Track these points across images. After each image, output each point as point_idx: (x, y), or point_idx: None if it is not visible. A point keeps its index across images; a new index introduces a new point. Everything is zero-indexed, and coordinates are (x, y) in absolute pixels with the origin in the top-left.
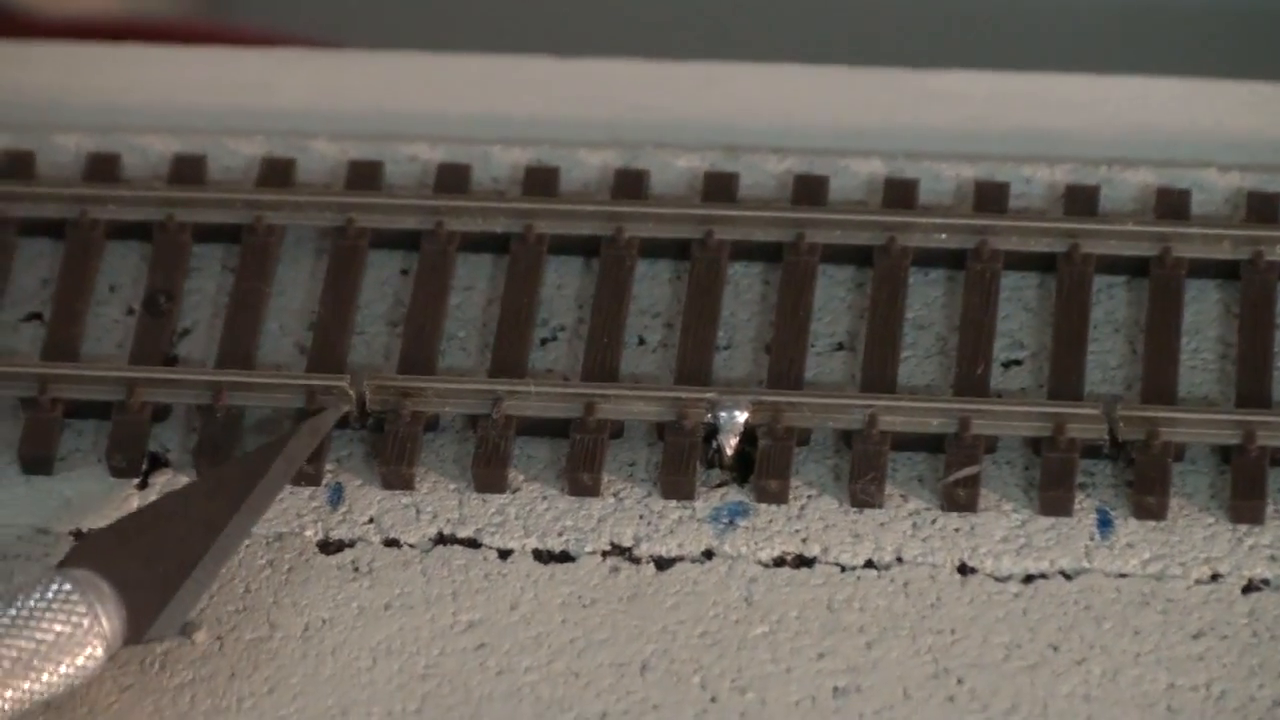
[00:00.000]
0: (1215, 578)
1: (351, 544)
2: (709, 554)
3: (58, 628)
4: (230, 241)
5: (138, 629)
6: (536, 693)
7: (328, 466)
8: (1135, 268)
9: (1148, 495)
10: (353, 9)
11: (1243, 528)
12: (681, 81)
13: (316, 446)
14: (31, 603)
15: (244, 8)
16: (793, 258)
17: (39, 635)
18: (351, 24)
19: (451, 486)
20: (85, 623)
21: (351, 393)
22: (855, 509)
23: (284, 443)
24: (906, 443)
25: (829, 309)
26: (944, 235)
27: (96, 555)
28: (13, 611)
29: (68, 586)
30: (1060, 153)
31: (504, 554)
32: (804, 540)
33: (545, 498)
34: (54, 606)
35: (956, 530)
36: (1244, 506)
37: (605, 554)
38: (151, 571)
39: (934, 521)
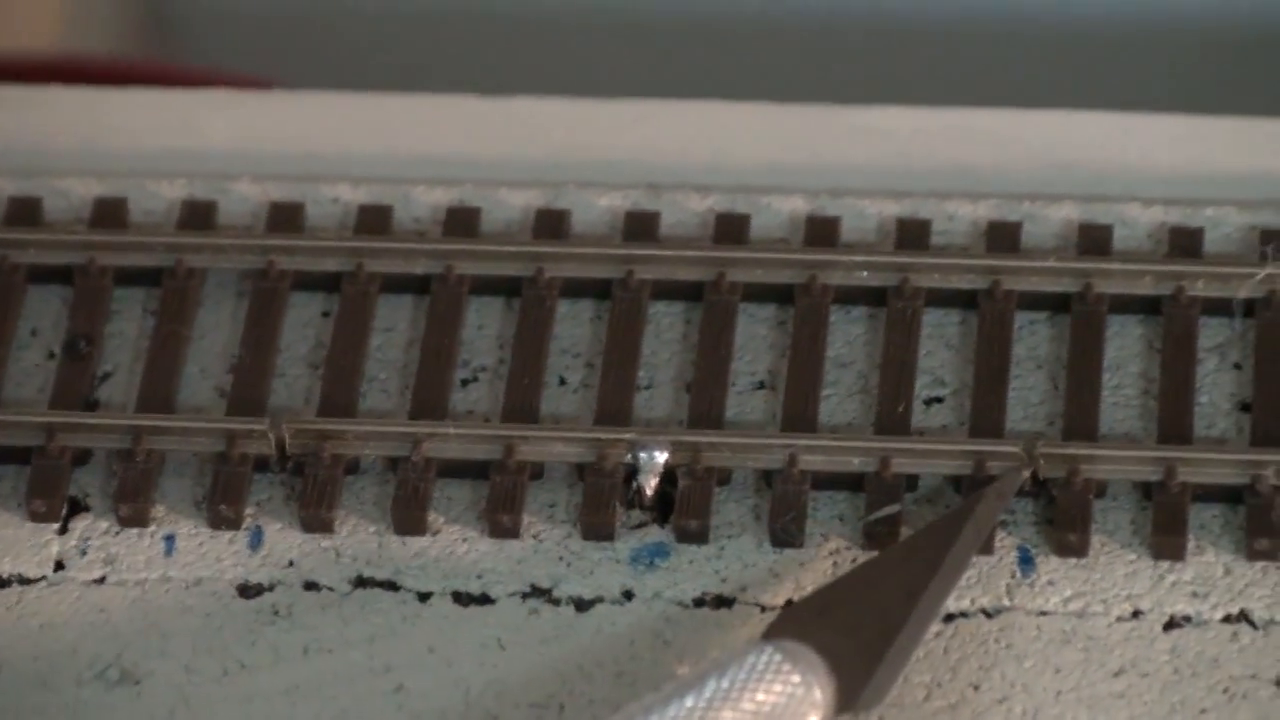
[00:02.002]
0: (1136, 615)
1: (271, 588)
2: (629, 594)
3: (771, 698)
4: (151, 285)
5: (848, 698)
6: None
7: (247, 510)
8: (1057, 304)
9: (1069, 533)
10: (288, 49)
11: (1164, 564)
12: (604, 119)
13: (1003, 510)
14: (743, 674)
15: (181, 48)
16: (714, 296)
17: (751, 706)
18: (287, 63)
19: (371, 529)
20: (799, 693)
21: (271, 436)
22: (775, 548)
23: (972, 507)
24: (827, 482)
25: (750, 348)
26: (865, 273)
27: (799, 625)
28: (724, 683)
29: (779, 657)
30: (983, 189)
31: (423, 596)
32: (723, 580)
33: (465, 539)
34: (767, 677)
35: None
36: (1165, 543)
37: (525, 596)
38: (855, 640)
39: (854, 560)
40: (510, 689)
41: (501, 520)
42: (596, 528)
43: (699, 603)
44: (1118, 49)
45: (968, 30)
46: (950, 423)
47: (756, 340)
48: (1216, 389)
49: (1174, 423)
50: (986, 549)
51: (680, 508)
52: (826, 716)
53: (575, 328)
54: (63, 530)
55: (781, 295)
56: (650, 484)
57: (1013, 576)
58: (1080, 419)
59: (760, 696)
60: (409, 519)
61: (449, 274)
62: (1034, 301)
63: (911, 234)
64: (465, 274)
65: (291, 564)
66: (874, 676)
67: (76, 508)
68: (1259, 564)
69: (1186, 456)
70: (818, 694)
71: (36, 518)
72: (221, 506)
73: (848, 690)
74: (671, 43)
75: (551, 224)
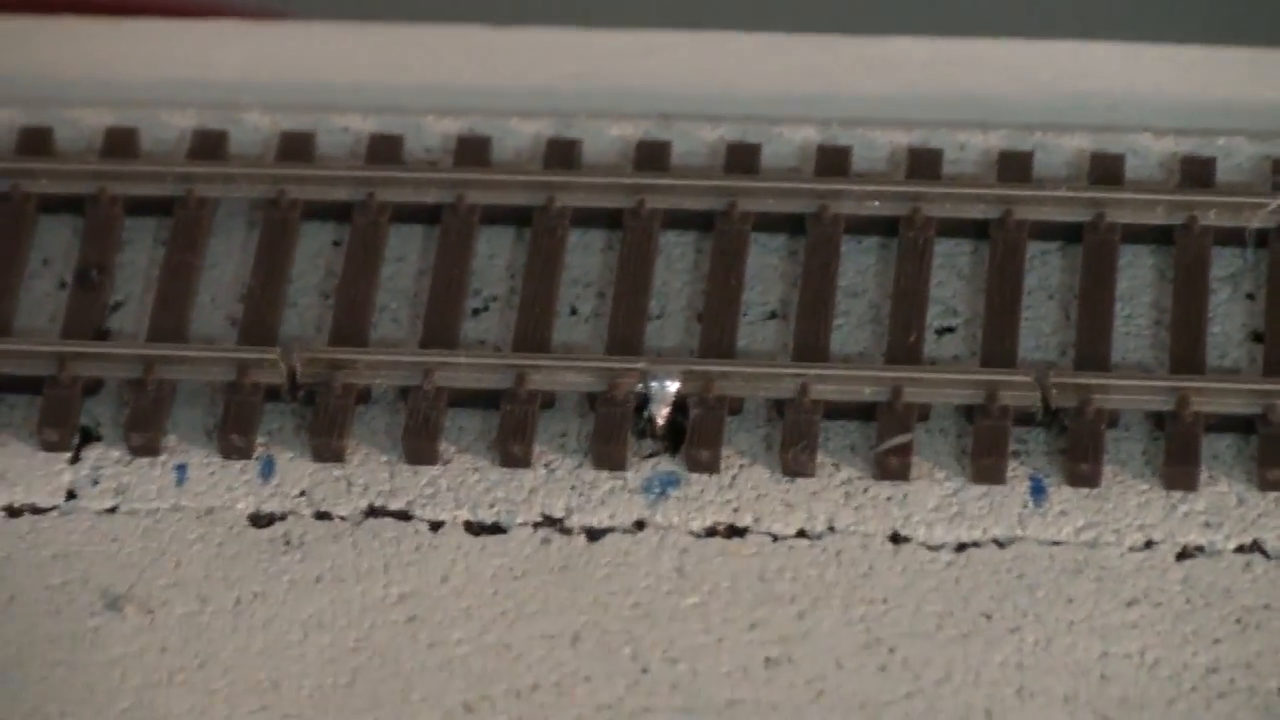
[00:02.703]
0: (1149, 545)
1: (283, 517)
2: (641, 524)
3: None
4: (163, 214)
5: None
6: (468, 665)
7: (259, 440)
8: (1069, 233)
9: (1081, 462)
10: None
11: (1176, 494)
12: (616, 49)
13: None
14: None
15: None
16: (725, 226)
17: None
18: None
19: (383, 459)
20: None
21: (282, 365)
22: (787, 478)
23: None
24: (839, 411)
25: (761, 277)
26: (877, 203)
27: None
28: None
29: None
30: (995, 118)
31: (435, 526)
32: (736, 510)
33: (476, 469)
34: None
35: (889, 499)
36: (1177, 473)
37: (536, 525)
38: None
39: (866, 490)
40: (523, 619)
41: (513, 450)
42: (608, 457)
43: (711, 532)
44: None
45: None
46: (962, 352)
47: (768, 270)
48: (1229, 319)
49: (1186, 352)
50: (998, 479)
51: (692, 437)
52: None
53: (586, 257)
54: (74, 460)
55: (793, 225)
56: (662, 413)
57: (1025, 506)
58: (1092, 349)
59: None
60: (420, 448)
61: (460, 203)
62: (1046, 231)
63: (923, 163)
64: (476, 203)
65: (303, 494)
66: None
67: (88, 437)
68: (1272, 494)
69: (1199, 386)
70: None
71: (48, 447)
72: (233, 436)
73: None
74: None
75: (562, 153)
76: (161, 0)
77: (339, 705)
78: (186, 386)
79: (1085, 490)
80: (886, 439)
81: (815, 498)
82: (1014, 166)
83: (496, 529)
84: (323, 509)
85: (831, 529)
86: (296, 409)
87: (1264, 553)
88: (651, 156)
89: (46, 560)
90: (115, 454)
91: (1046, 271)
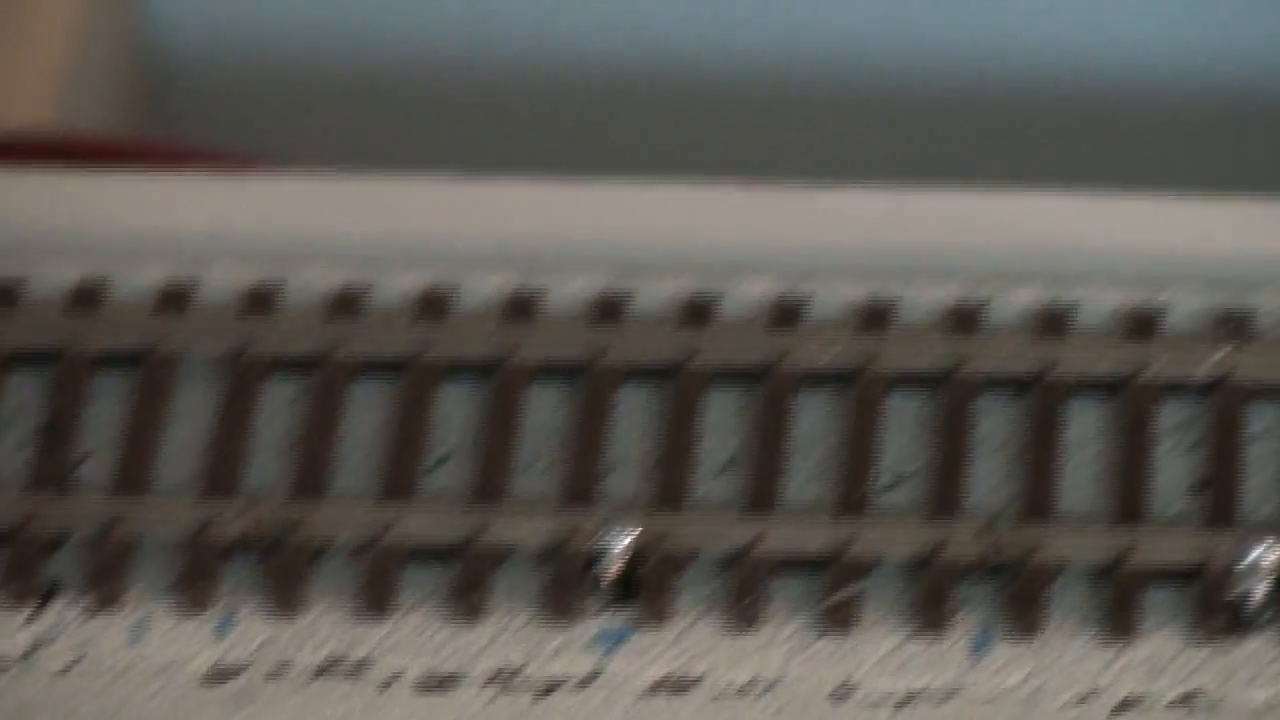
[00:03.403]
0: (1088, 696)
1: (238, 673)
2: (592, 677)
3: None
4: (129, 367)
5: None
6: None
7: (219, 593)
8: (1018, 384)
9: (1024, 613)
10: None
11: (1117, 645)
12: (576, 202)
13: None
14: None
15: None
16: (682, 378)
17: None
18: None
19: (340, 612)
20: None
21: (243, 519)
22: (737, 631)
23: None
24: (789, 563)
25: (717, 429)
26: (831, 355)
27: None
28: None
29: None
30: (949, 270)
31: (389, 679)
32: (686, 662)
33: (432, 622)
34: None
35: (836, 652)
36: (1119, 623)
37: (488, 680)
38: None
39: (814, 643)
40: None
41: (468, 603)
42: (561, 610)
43: (661, 685)
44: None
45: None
46: (910, 504)
47: (723, 421)
48: (1173, 469)
49: (1130, 503)
50: (943, 630)
51: (645, 590)
52: None
53: (544, 410)
54: (36, 614)
55: (749, 376)
56: (615, 566)
57: (967, 657)
58: (1038, 499)
59: None
60: (377, 601)
61: (421, 357)
62: (995, 382)
63: (877, 315)
64: (437, 356)
65: (260, 647)
66: None
67: (52, 591)
68: (1211, 644)
69: (1141, 537)
70: None
71: (10, 603)
72: (193, 589)
73: None
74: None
75: (523, 306)
76: (137, 145)
77: None
78: (149, 540)
79: (1028, 641)
80: (835, 591)
81: (764, 650)
82: (966, 318)
83: (450, 682)
84: (279, 664)
85: (780, 681)
86: (257, 562)
87: (1202, 702)
88: (611, 309)
89: (9, 715)
90: (76, 608)
91: (996, 422)
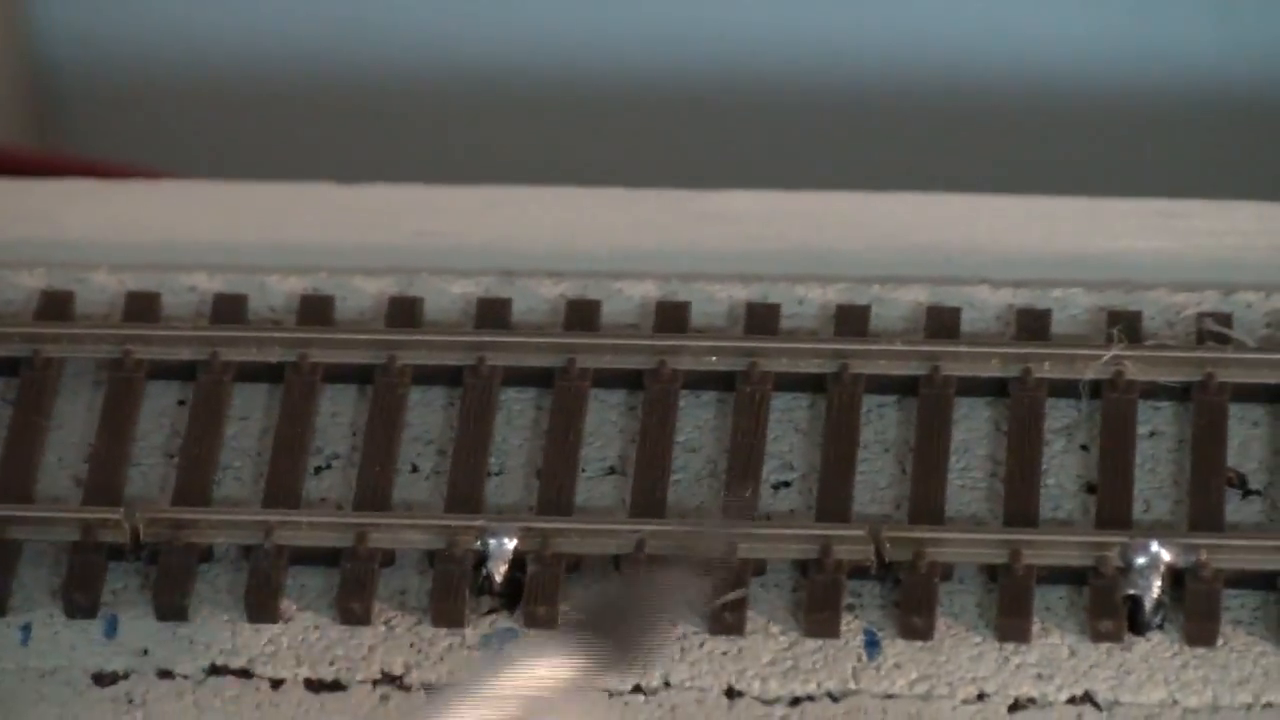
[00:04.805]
0: (981, 697)
1: (125, 676)
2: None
3: None
4: (9, 374)
5: None
6: None
7: (103, 598)
8: (905, 386)
9: (915, 615)
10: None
11: (1009, 646)
12: (458, 206)
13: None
14: None
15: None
16: (564, 382)
17: None
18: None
19: (225, 617)
20: None
21: (126, 525)
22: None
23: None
24: (674, 565)
25: (600, 434)
26: (714, 358)
27: None
28: None
29: None
30: (833, 272)
31: (276, 684)
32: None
33: (317, 626)
34: None
35: (724, 654)
36: (1010, 625)
37: (376, 682)
38: None
39: (702, 645)
40: None
41: (353, 607)
42: (447, 614)
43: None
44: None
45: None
46: (798, 506)
47: (606, 426)
48: (1063, 471)
49: (1020, 505)
50: (832, 632)
51: (529, 594)
52: None
53: (428, 415)
54: None
55: (631, 381)
56: (500, 570)
57: (859, 660)
58: (927, 502)
59: None
60: (262, 606)
61: (303, 362)
62: (882, 385)
63: (760, 318)
64: (319, 362)
65: (146, 652)
66: None
67: None
68: (1103, 645)
69: (1032, 539)
70: None
71: None
72: (77, 595)
73: None
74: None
75: (404, 311)
76: (19, 155)
77: None
78: (32, 546)
79: (919, 643)
80: (721, 594)
81: (651, 651)
82: (851, 320)
83: (337, 686)
84: (165, 667)
85: (667, 684)
86: (140, 568)
87: (1095, 704)
88: (492, 314)
89: None
90: None
91: (883, 425)
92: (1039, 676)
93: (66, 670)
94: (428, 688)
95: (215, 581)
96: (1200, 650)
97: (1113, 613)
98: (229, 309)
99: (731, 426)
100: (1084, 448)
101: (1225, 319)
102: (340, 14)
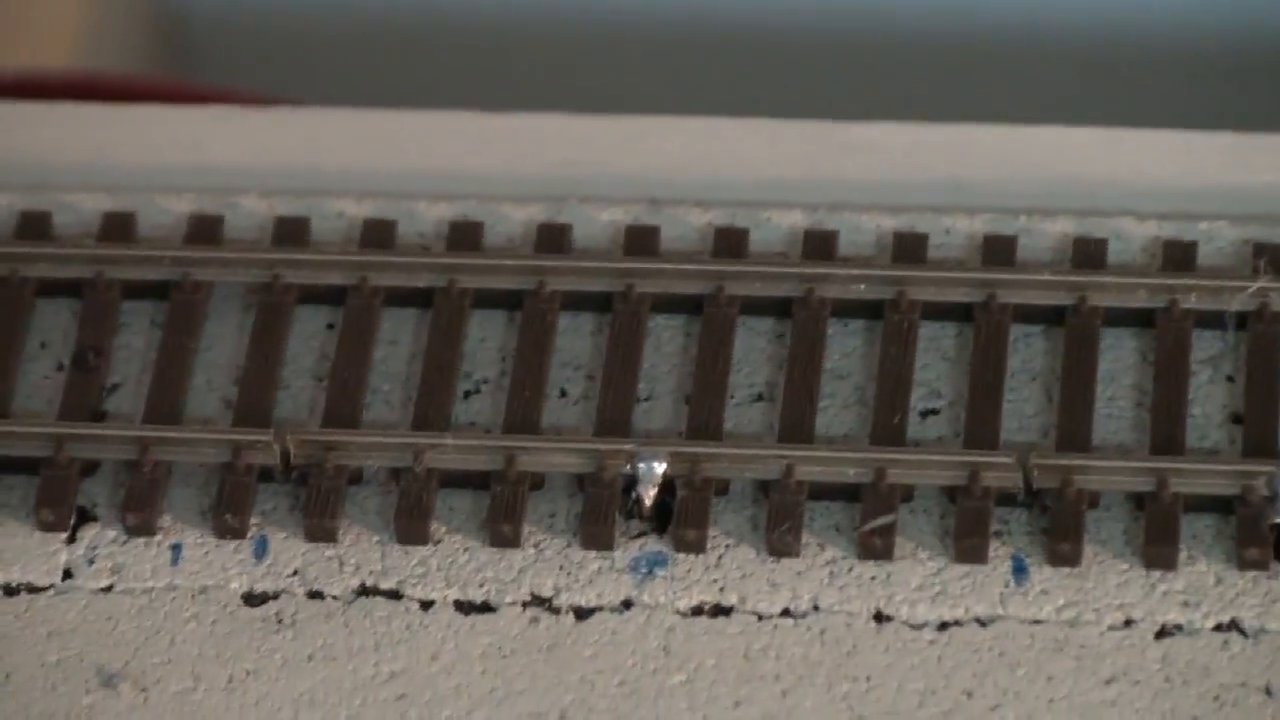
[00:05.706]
0: (1128, 623)
1: (275, 596)
2: (628, 604)
3: None
4: (159, 298)
5: None
6: None
7: (253, 520)
8: (1052, 317)
9: (1062, 542)
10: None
11: (1156, 574)
12: (606, 135)
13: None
14: None
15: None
16: (712, 310)
17: None
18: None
19: (374, 539)
20: None
21: (276, 447)
22: (772, 558)
23: None
24: (823, 492)
25: (748, 360)
26: (862, 286)
27: None
28: None
29: None
30: (980, 203)
31: (425, 605)
32: (722, 589)
33: (466, 549)
34: None
35: (873, 578)
36: (1157, 553)
37: (525, 604)
38: None
39: (850, 570)
40: (511, 697)
41: (503, 530)
42: (596, 537)
43: (697, 611)
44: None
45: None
46: (945, 434)
47: (755, 353)
48: (1209, 401)
49: (1166, 434)
50: (980, 558)
51: (679, 518)
52: None
53: (576, 340)
54: (71, 540)
55: (779, 308)
56: (649, 494)
57: (1006, 585)
58: (1074, 430)
59: None
60: (411, 528)
61: (452, 287)
62: (1029, 314)
63: (908, 248)
64: (468, 287)
65: (296, 573)
66: None
67: (84, 517)
68: (1249, 573)
69: (1179, 467)
70: None
71: (45, 527)
72: (227, 516)
73: None
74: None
75: (553, 238)
76: (159, 86)
77: None
78: (182, 467)
79: (1066, 570)
80: (870, 519)
81: (800, 577)
82: (998, 251)
83: (486, 608)
84: (315, 588)
85: (816, 608)
86: (290, 490)
87: (1241, 631)
88: (641, 241)
89: (43, 638)
90: (111, 534)
91: (1029, 354)
92: (1185, 604)
93: (217, 590)
94: (576, 610)
95: (364, 504)
96: None
97: (1259, 540)
98: (378, 234)
99: (879, 354)
100: (1230, 379)
101: None
102: None
